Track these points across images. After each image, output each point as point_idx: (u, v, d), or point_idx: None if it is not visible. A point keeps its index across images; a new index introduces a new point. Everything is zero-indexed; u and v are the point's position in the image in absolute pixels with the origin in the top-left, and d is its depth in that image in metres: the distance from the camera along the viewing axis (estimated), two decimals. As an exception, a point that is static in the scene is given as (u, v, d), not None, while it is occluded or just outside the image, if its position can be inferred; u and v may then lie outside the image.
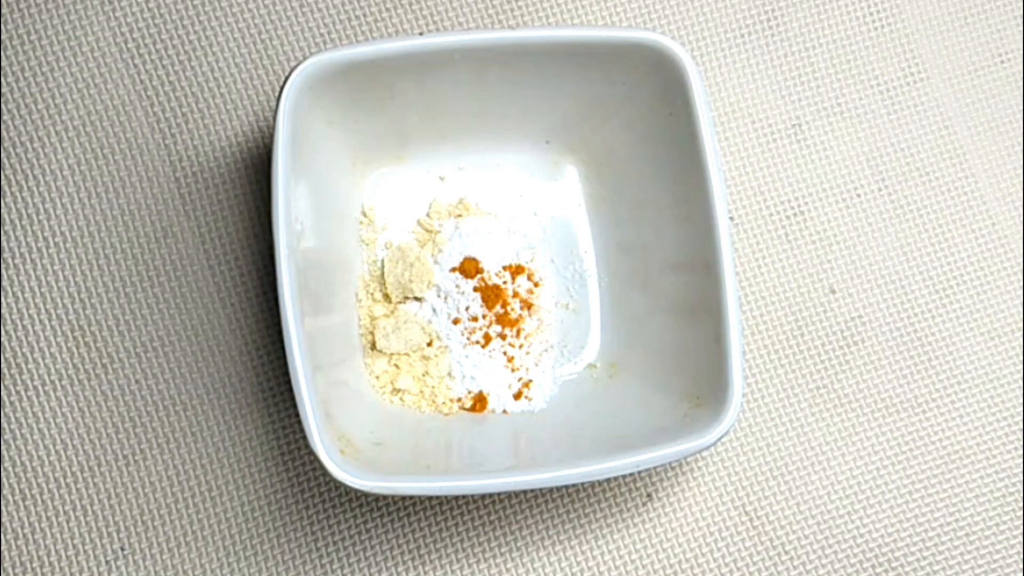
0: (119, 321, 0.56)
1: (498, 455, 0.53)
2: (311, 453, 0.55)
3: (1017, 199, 0.61)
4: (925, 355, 0.60)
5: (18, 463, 0.55)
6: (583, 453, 0.51)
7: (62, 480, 0.55)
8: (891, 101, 0.61)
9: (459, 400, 0.55)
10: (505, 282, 0.56)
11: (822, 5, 0.61)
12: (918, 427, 0.59)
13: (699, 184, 0.51)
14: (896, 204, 0.60)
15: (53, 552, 0.55)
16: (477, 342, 0.56)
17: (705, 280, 0.51)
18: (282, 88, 0.49)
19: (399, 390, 0.55)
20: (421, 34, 0.54)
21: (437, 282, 0.56)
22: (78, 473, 0.55)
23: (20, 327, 0.56)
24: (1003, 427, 0.59)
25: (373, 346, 0.55)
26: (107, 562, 0.55)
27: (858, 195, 0.60)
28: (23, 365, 0.56)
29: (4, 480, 0.55)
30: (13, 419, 0.55)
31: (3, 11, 0.57)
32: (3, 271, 0.56)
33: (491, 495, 0.57)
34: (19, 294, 0.56)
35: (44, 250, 0.56)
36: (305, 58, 0.50)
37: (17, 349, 0.56)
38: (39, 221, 0.56)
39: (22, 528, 0.55)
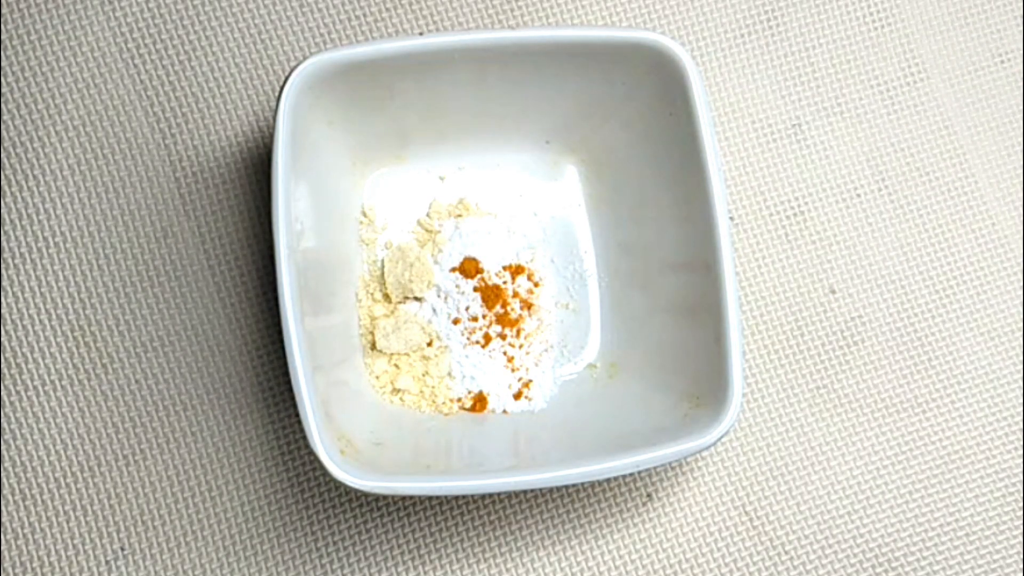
0: (119, 321, 0.56)
1: (498, 455, 0.53)
2: (311, 453, 0.55)
3: (1017, 199, 0.61)
4: (925, 355, 0.60)
5: (18, 463, 0.55)
6: (583, 453, 0.51)
7: (62, 480, 0.55)
8: (891, 101, 0.61)
9: (459, 400, 0.55)
10: (505, 282, 0.56)
11: (822, 5, 0.61)
12: (918, 427, 0.59)
13: (699, 184, 0.51)
14: (896, 204, 0.60)
15: (53, 552, 0.55)
16: (477, 342, 0.56)
17: (705, 280, 0.51)
18: (282, 88, 0.49)
19: (399, 390, 0.55)
20: (421, 34, 0.54)
21: (437, 282, 0.56)
22: (78, 473, 0.55)
23: (20, 327, 0.56)
24: (1003, 427, 0.59)
25: (373, 346, 0.55)
26: (107, 562, 0.55)
27: (858, 195, 0.60)
28: (23, 365, 0.56)
29: (4, 480, 0.55)
30: (13, 419, 0.55)
31: (3, 11, 0.57)
32: (3, 271, 0.56)
33: (491, 495, 0.57)
34: (19, 294, 0.56)
35: (44, 250, 0.56)
36: (305, 58, 0.50)
37: (17, 349, 0.56)
38: (39, 221, 0.56)
39: (22, 528, 0.55)
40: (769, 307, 0.59)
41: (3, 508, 0.55)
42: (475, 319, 0.56)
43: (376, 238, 0.56)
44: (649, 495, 0.58)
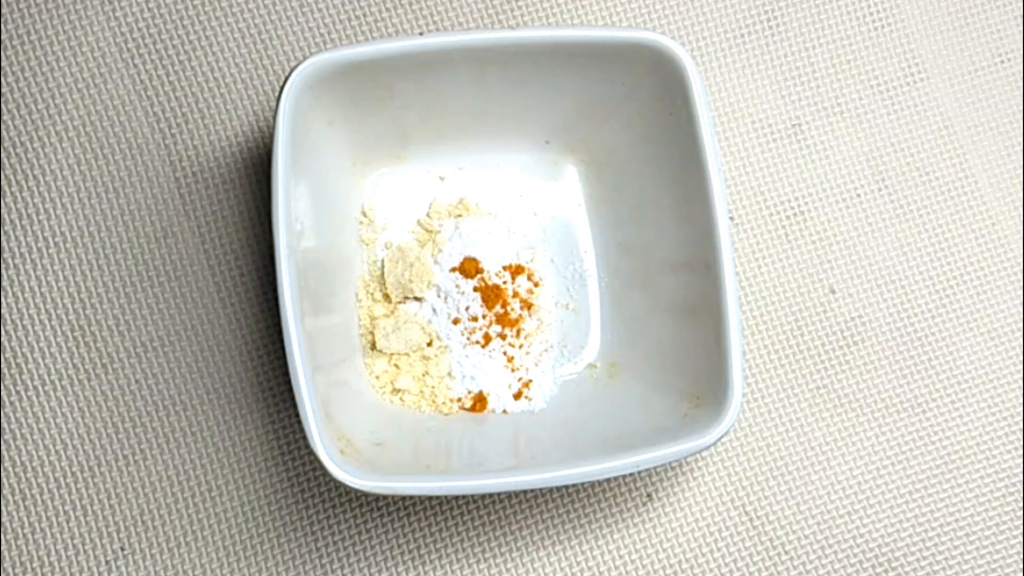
0: (119, 321, 0.56)
1: (498, 455, 0.53)
2: (311, 453, 0.55)
3: (1017, 199, 0.61)
4: (925, 355, 0.60)
5: (18, 463, 0.55)
6: (583, 453, 0.51)
7: (62, 480, 0.55)
8: (891, 101, 0.61)
9: (459, 400, 0.55)
10: (505, 282, 0.56)
11: (822, 5, 0.61)
12: (918, 427, 0.59)
13: (699, 184, 0.51)
14: (896, 204, 0.60)
15: (53, 552, 0.55)
16: (477, 342, 0.56)
17: (705, 280, 0.51)
18: (282, 88, 0.49)
19: (399, 390, 0.55)
20: (421, 34, 0.54)
21: (437, 282, 0.56)
22: (78, 473, 0.55)
23: (20, 327, 0.56)
24: (1003, 427, 0.59)
25: (373, 346, 0.55)
26: (107, 562, 0.55)
27: (858, 195, 0.60)
28: (23, 365, 0.56)
29: (4, 480, 0.55)
30: (13, 419, 0.55)
31: (3, 11, 0.57)
32: (3, 271, 0.56)
33: (491, 495, 0.57)
34: (19, 294, 0.56)
35: (44, 250, 0.56)
36: (305, 58, 0.50)
37: (17, 349, 0.56)
38: (39, 221, 0.56)
39: (22, 528, 0.55)
40: (769, 307, 0.59)
41: (3, 508, 0.55)
42: (475, 319, 0.56)
43: (376, 238, 0.56)
44: (649, 495, 0.58)
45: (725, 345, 0.50)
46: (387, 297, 0.56)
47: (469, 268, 0.56)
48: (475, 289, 0.56)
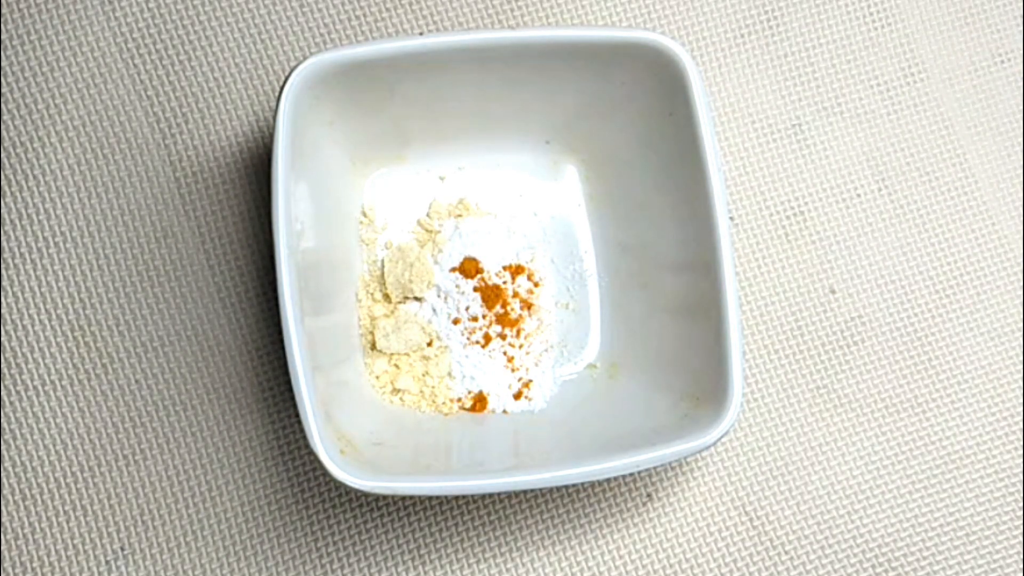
0: (119, 321, 0.56)
1: (498, 455, 0.53)
2: (311, 453, 0.55)
3: (1017, 199, 0.61)
4: (925, 355, 0.60)
5: (18, 463, 0.55)
6: (583, 453, 0.51)
7: (62, 480, 0.55)
8: (891, 101, 0.61)
9: (459, 400, 0.55)
10: (505, 282, 0.56)
11: (822, 5, 0.61)
12: (918, 427, 0.59)
13: (699, 184, 0.51)
14: (896, 204, 0.60)
15: (53, 552, 0.55)
16: (477, 342, 0.56)
17: (705, 280, 0.51)
18: (282, 88, 0.49)
19: (399, 390, 0.55)
20: (421, 34, 0.54)
21: (437, 282, 0.56)
22: (78, 473, 0.55)
23: (20, 327, 0.56)
24: (1003, 427, 0.59)
25: (373, 346, 0.55)
26: (107, 562, 0.55)
27: (858, 195, 0.60)
28: (23, 365, 0.56)
29: (4, 480, 0.55)
30: (13, 419, 0.55)
31: (3, 11, 0.57)
32: (3, 271, 0.56)
33: (491, 495, 0.57)
34: (19, 294, 0.56)
35: (44, 250, 0.56)
36: (305, 58, 0.50)
37: (17, 349, 0.56)
38: (39, 221, 0.56)
39: (22, 528, 0.55)
40: (769, 307, 0.59)
41: (3, 508, 0.55)
42: (475, 319, 0.56)
43: (376, 238, 0.56)
44: (649, 495, 0.58)
45: (725, 345, 0.50)
46: (387, 297, 0.56)
47: (469, 268, 0.56)
48: (475, 289, 0.56)
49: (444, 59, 0.51)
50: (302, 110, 0.50)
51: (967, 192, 0.61)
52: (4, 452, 0.55)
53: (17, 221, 0.56)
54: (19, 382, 0.56)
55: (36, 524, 0.55)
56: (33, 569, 0.55)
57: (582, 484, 0.54)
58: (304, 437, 0.56)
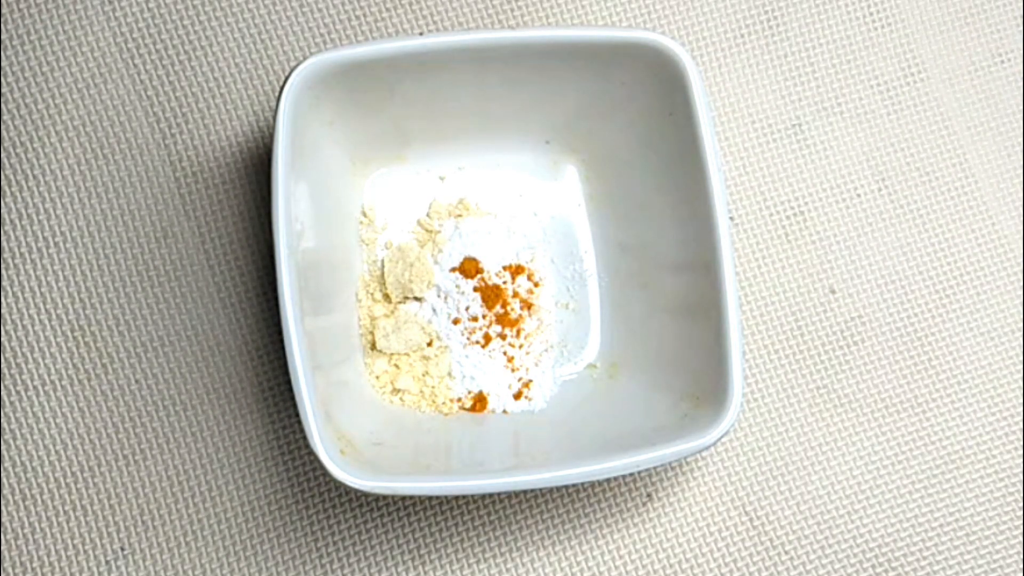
0: (119, 321, 0.56)
1: (498, 455, 0.53)
2: (311, 453, 0.55)
3: (1017, 199, 0.61)
4: (925, 355, 0.60)
5: (18, 463, 0.55)
6: (583, 453, 0.51)
7: (62, 480, 0.55)
8: (891, 101, 0.61)
9: (459, 400, 0.55)
10: (505, 282, 0.56)
11: (822, 5, 0.61)
12: (918, 427, 0.59)
13: (699, 184, 0.51)
14: (896, 204, 0.60)
15: (53, 552, 0.55)
16: (477, 342, 0.56)
17: (705, 280, 0.51)
18: (282, 88, 0.49)
19: (399, 390, 0.55)
20: (421, 34, 0.54)
21: (437, 282, 0.56)
22: (78, 473, 0.55)
23: (20, 327, 0.56)
24: (1003, 427, 0.59)
25: (373, 346, 0.55)
26: (107, 562, 0.55)
27: (858, 195, 0.60)
28: (23, 365, 0.56)
29: (4, 480, 0.55)
30: (13, 419, 0.55)
31: (3, 11, 0.57)
32: (3, 271, 0.56)
33: (491, 495, 0.57)
34: (19, 294, 0.56)
35: (44, 250, 0.56)
36: (305, 58, 0.50)
37: (17, 349, 0.56)
38: (39, 221, 0.56)
39: (22, 528, 0.55)
40: (769, 307, 0.59)
41: (3, 508, 0.55)
42: (475, 319, 0.56)
43: (376, 238, 0.56)
44: (649, 495, 0.58)
45: (725, 345, 0.50)
46: (387, 297, 0.56)
47: (469, 268, 0.56)
48: (475, 289, 0.56)
49: (444, 59, 0.51)
50: (302, 110, 0.50)
51: (967, 192, 0.61)
52: (4, 452, 0.55)
53: (17, 221, 0.56)
54: (19, 382, 0.56)
55: (36, 524, 0.55)
56: (33, 569, 0.55)
57: (582, 484, 0.54)
58: (304, 437, 0.56)
